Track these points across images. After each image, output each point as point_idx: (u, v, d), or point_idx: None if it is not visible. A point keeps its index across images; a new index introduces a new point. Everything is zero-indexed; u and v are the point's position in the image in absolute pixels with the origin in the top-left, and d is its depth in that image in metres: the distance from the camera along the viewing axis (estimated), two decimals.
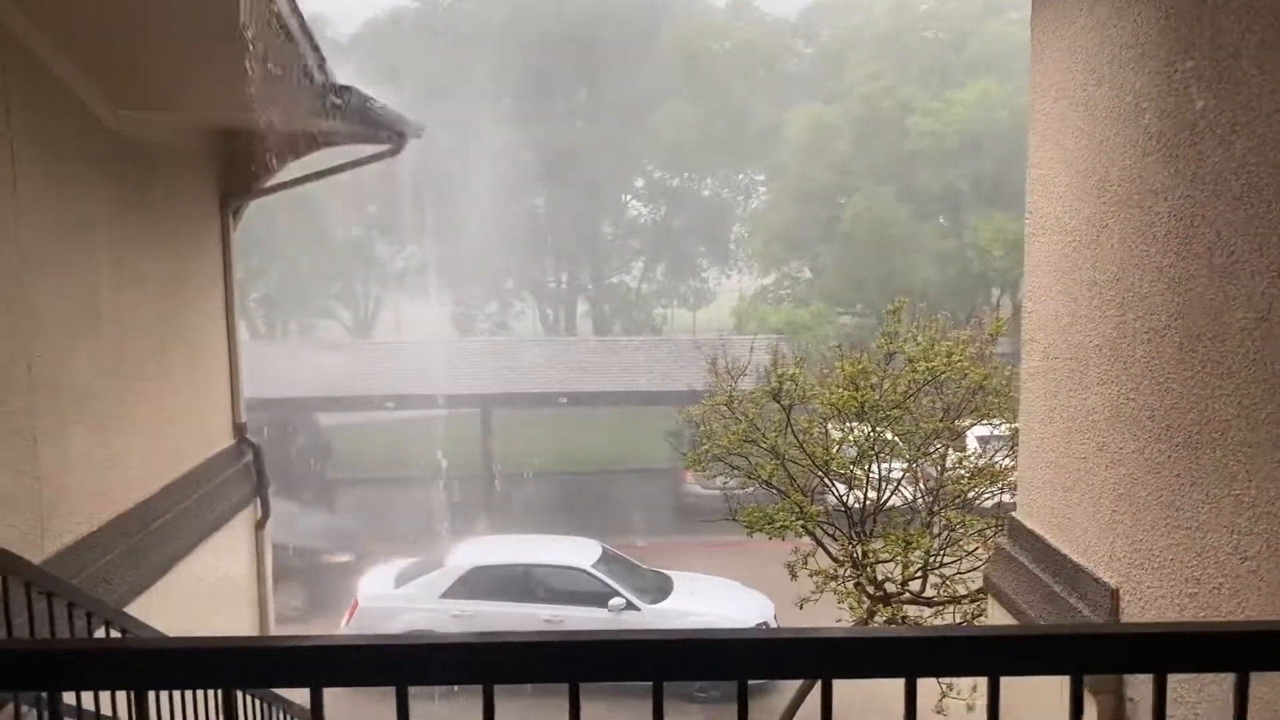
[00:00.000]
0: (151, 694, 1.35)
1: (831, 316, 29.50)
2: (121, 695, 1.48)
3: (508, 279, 36.96)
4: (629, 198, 39.05)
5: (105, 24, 5.64)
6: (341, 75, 6.31)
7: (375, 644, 1.28)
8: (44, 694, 1.36)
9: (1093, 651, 1.33)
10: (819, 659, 1.34)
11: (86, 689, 1.29)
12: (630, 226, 38.83)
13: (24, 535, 5.03)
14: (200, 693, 4.99)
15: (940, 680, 8.63)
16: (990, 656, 1.33)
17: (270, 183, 8.41)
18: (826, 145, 30.61)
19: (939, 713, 8.77)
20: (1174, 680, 4.06)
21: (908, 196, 30.74)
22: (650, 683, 1.44)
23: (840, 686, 1.39)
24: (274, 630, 9.44)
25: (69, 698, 3.40)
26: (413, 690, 1.37)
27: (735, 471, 10.30)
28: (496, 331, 35.83)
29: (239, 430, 8.48)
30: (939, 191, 30.97)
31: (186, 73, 6.46)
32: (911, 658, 1.32)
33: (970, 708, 7.51)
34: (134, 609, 5.84)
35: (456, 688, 1.46)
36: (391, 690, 1.35)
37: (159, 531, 6.68)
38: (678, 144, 35.23)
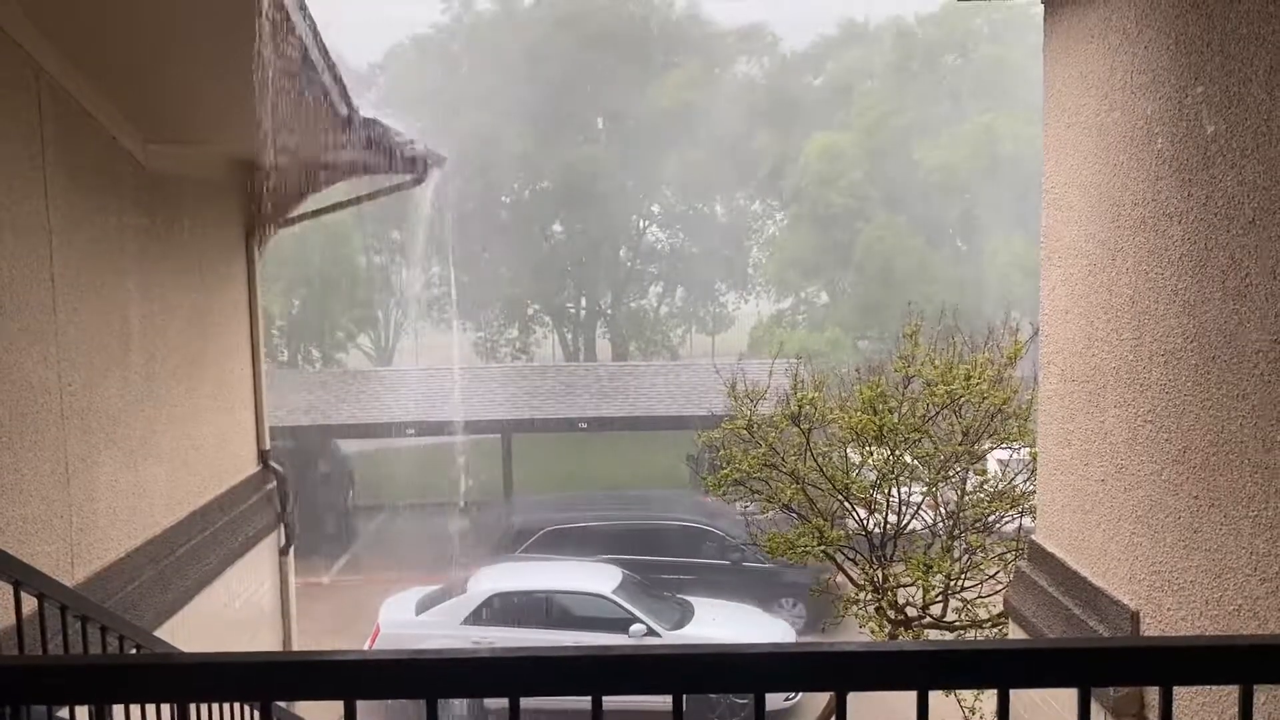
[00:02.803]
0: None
1: (847, 341, 29.48)
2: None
3: (529, 305, 37.18)
4: (647, 223, 39.24)
5: (135, 60, 5.79)
6: (364, 103, 6.43)
7: (406, 657, 1.34)
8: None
9: (1099, 664, 1.37)
10: (832, 672, 1.38)
11: (132, 701, 1.35)
12: (648, 252, 39.01)
13: (55, 561, 5.12)
14: (237, 712, 5.05)
15: (962, 705, 8.57)
16: (999, 669, 1.38)
17: (294, 213, 8.55)
18: (840, 172, 30.75)
19: None
20: (1202, 700, 4.05)
21: (923, 222, 30.77)
22: (669, 699, 1.49)
23: (863, 708, 1.43)
24: None
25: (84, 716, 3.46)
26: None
27: (755, 496, 10.29)
28: (519, 357, 35.97)
29: (263, 457, 8.59)
30: (954, 217, 31.01)
31: (213, 107, 6.61)
32: (922, 670, 1.37)
33: None
34: (161, 634, 5.91)
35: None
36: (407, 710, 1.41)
37: (185, 557, 6.77)
38: (695, 170, 35.41)
